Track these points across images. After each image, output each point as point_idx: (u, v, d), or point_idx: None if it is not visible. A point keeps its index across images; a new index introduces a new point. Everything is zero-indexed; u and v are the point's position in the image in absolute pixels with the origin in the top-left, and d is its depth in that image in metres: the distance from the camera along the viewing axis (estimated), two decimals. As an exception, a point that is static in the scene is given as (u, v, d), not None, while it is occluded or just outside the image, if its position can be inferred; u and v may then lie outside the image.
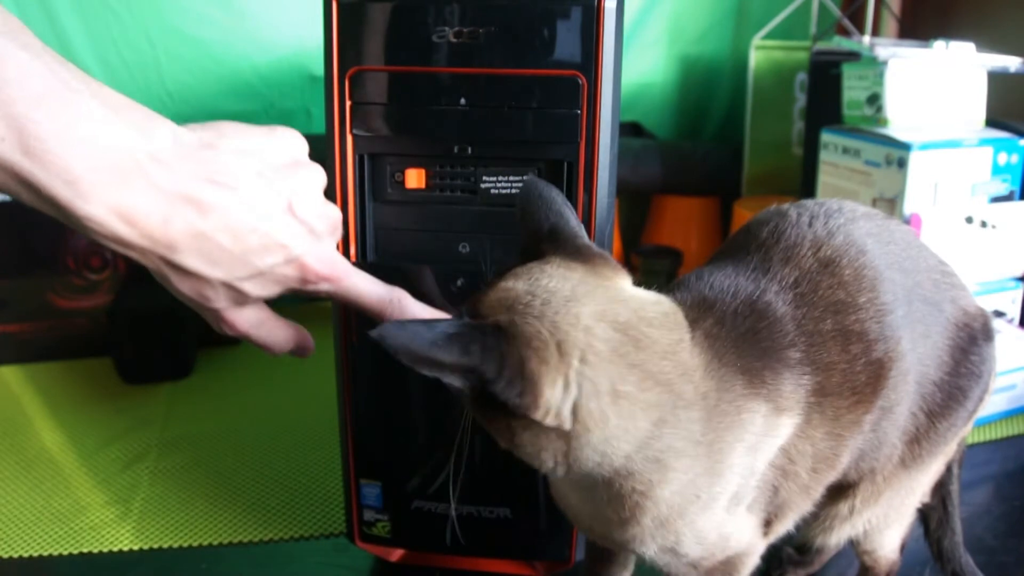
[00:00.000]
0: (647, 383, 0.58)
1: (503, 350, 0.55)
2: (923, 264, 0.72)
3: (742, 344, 0.63)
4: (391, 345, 0.53)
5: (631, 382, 0.57)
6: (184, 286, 0.56)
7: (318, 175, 0.62)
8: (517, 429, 0.58)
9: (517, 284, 0.59)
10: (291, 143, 0.61)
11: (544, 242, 0.63)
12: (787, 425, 0.63)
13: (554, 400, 0.56)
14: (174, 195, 0.52)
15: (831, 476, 0.69)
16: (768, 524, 0.68)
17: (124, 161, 0.50)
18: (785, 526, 0.71)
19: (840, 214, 0.70)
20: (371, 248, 0.80)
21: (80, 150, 0.48)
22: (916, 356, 0.69)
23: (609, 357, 0.57)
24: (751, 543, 0.67)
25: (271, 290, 0.60)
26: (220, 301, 0.59)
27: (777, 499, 0.67)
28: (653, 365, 0.58)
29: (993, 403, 1.23)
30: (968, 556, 0.86)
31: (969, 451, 1.18)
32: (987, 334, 0.74)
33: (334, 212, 0.63)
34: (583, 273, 0.60)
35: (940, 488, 0.83)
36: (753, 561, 0.69)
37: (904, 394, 0.69)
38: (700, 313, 0.64)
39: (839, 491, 0.74)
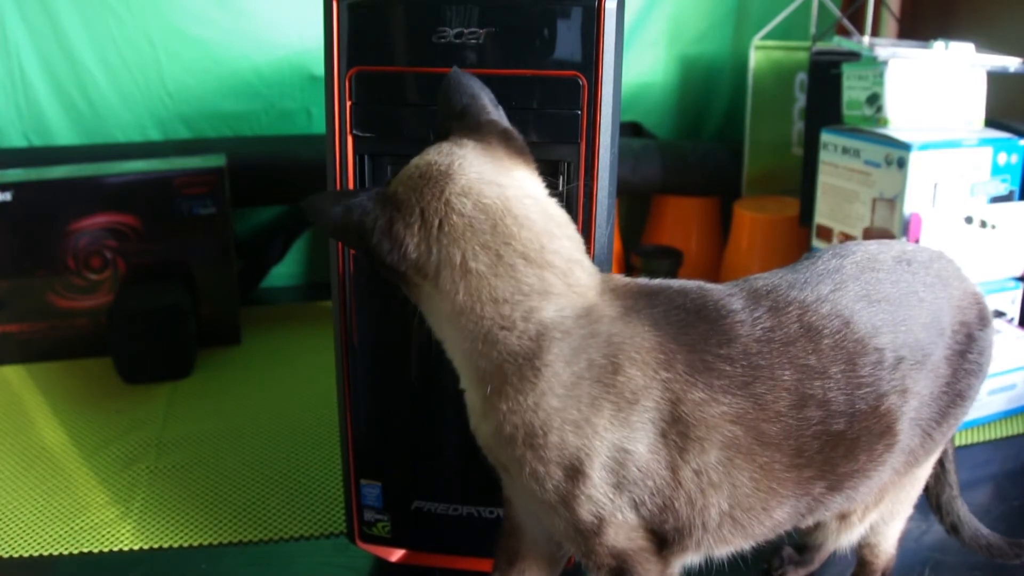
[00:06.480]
0: (501, 270, 0.61)
1: (378, 213, 0.62)
2: (915, 299, 0.69)
3: (671, 326, 0.63)
4: (306, 205, 0.62)
5: (483, 262, 0.61)
6: None
7: None
8: (409, 284, 0.64)
9: (415, 159, 0.65)
10: None
11: (453, 120, 0.67)
12: (683, 423, 0.61)
13: (421, 259, 0.62)
14: None
15: (758, 530, 0.67)
16: (665, 545, 0.66)
17: None
18: (688, 558, 0.69)
19: (830, 278, 0.68)
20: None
21: None
22: (908, 399, 0.67)
23: (462, 233, 0.61)
24: (637, 551, 0.65)
25: None
26: None
27: (676, 520, 0.64)
28: (510, 256, 0.62)
29: (993, 403, 1.23)
30: (966, 507, 0.86)
31: (969, 451, 1.19)
32: (983, 321, 0.72)
33: None
34: (473, 150, 0.65)
35: None
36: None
37: (889, 451, 0.68)
38: (641, 294, 0.65)
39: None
